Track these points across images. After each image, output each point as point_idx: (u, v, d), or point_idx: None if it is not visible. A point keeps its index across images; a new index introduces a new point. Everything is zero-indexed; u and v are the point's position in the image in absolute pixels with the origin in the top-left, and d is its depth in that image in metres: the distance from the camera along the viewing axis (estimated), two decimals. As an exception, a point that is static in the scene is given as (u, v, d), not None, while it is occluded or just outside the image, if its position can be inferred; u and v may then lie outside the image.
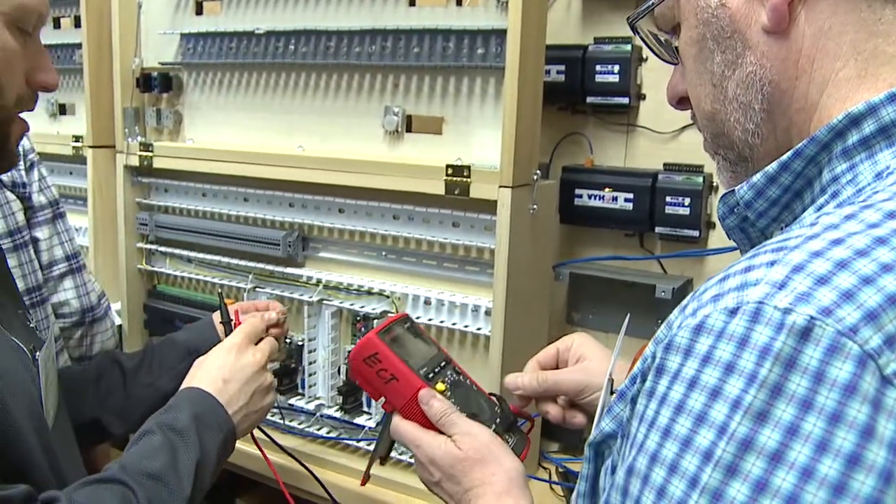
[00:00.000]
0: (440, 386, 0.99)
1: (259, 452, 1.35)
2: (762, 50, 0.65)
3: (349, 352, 1.62)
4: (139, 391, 1.32)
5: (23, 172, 1.46)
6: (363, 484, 1.10)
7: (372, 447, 1.55)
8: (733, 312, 0.53)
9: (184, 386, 1.13)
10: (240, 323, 1.27)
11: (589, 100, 1.65)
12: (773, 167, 0.65)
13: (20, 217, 1.44)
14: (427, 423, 0.95)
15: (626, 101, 1.63)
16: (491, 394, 1.06)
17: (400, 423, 0.97)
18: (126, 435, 1.40)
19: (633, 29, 0.79)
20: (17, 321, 1.03)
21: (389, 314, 1.54)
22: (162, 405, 1.30)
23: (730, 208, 0.70)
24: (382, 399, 0.99)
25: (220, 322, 1.31)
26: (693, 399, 0.54)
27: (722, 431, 0.52)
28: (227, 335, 1.23)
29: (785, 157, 0.64)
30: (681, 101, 0.78)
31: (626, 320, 0.99)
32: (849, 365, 0.49)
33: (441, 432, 0.94)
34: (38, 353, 1.01)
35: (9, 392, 0.88)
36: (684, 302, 0.61)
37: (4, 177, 1.42)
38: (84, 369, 1.37)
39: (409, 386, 0.96)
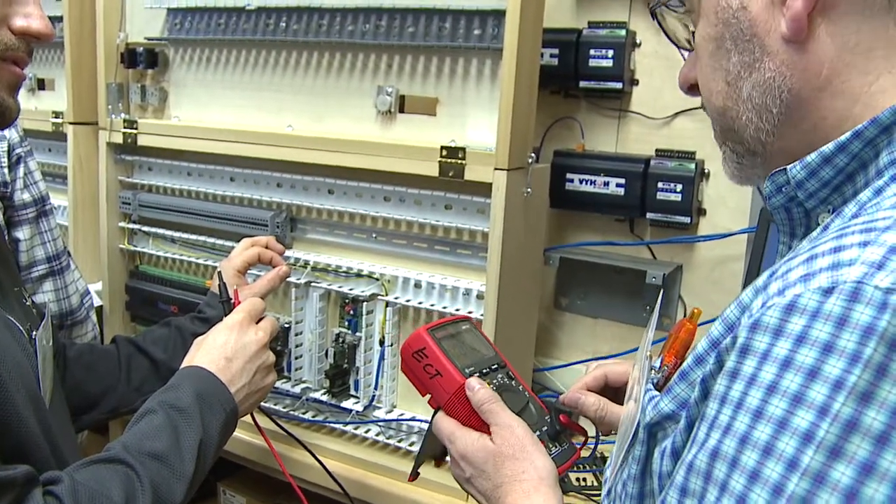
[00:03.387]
0: None
1: (247, 437, 1.33)
2: (782, 58, 0.65)
3: (336, 334, 1.60)
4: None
5: (5, 170, 1.41)
6: (410, 480, 1.09)
7: (359, 431, 1.56)
8: (828, 292, 0.52)
9: (184, 364, 1.11)
10: (239, 302, 1.24)
11: (582, 84, 1.64)
12: (829, 147, 0.63)
13: None
14: (467, 422, 0.93)
15: (619, 86, 1.62)
16: (544, 402, 1.04)
17: (441, 419, 0.95)
18: None
19: (653, 13, 0.78)
20: (14, 299, 1.01)
21: (379, 296, 1.53)
22: None
23: (777, 187, 0.69)
24: (429, 395, 0.98)
25: (220, 301, 1.28)
26: (788, 379, 0.53)
27: (823, 412, 0.51)
28: (226, 314, 1.21)
29: (843, 138, 0.63)
30: (692, 88, 0.77)
31: (660, 296, 0.97)
32: None
33: (480, 429, 0.92)
34: (34, 333, 0.98)
35: (6, 370, 0.85)
36: (760, 283, 0.60)
37: None
38: (107, 357, 1.32)
39: (452, 382, 0.95)
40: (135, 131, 1.77)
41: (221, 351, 1.11)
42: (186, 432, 0.98)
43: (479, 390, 0.93)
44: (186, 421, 1.00)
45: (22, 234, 1.44)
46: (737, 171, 0.75)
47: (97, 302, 1.78)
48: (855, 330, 0.51)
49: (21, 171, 1.44)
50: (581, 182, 1.64)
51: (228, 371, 1.10)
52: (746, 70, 0.67)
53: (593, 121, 1.70)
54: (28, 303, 1.09)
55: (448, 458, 0.97)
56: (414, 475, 1.08)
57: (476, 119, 1.45)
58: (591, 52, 1.62)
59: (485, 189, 1.38)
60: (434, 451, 1.03)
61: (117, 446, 0.94)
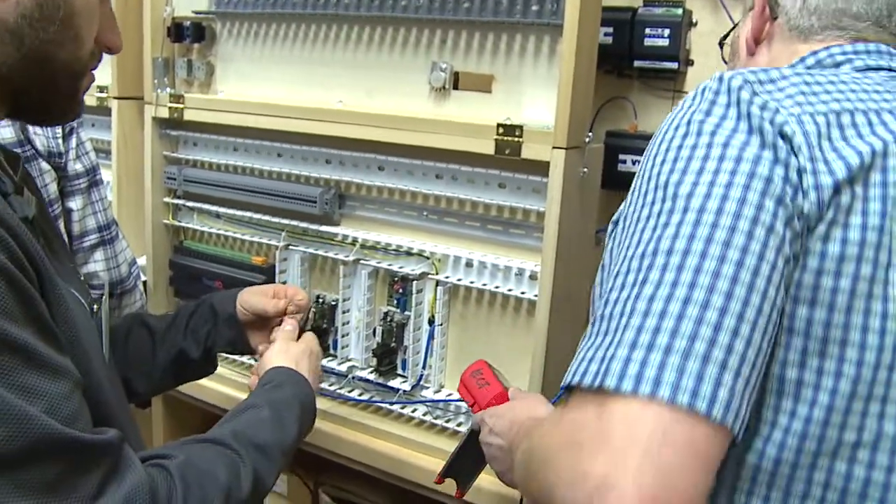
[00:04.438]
0: None
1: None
2: (744, 62, 1.00)
3: (384, 313, 1.59)
4: (164, 352, 1.32)
5: (59, 140, 1.43)
6: (437, 482, 1.30)
7: (406, 410, 1.55)
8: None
9: (278, 364, 1.19)
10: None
11: (636, 63, 1.61)
12: None
13: (52, 188, 1.41)
14: None
15: (674, 66, 1.59)
16: None
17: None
18: (148, 395, 1.38)
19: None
20: (72, 276, 1.00)
21: (429, 275, 1.52)
22: (182, 366, 1.31)
23: None
24: (474, 405, 1.22)
25: (301, 326, 1.32)
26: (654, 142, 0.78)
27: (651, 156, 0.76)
28: (299, 337, 1.30)
29: None
30: None
31: None
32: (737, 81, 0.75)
33: None
34: (95, 307, 0.98)
35: (85, 340, 0.85)
36: None
37: (40, 145, 1.39)
38: (112, 329, 1.35)
39: (495, 389, 1.21)
40: (181, 106, 1.76)
41: (309, 365, 1.24)
42: (287, 429, 1.06)
43: (516, 393, 1.20)
44: (289, 418, 1.08)
45: (75, 203, 1.45)
46: None
47: (143, 277, 1.78)
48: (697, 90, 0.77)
49: (73, 141, 1.44)
50: (634, 163, 1.61)
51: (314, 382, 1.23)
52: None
53: (646, 101, 1.68)
54: (82, 278, 1.09)
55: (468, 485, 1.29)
56: (440, 478, 1.29)
57: (532, 97, 1.42)
58: (647, 31, 1.59)
59: (540, 168, 1.36)
60: (465, 461, 1.26)
61: (225, 431, 0.98)
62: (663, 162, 0.73)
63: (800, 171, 0.70)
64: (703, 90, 0.76)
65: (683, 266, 0.66)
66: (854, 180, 0.71)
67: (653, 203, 0.72)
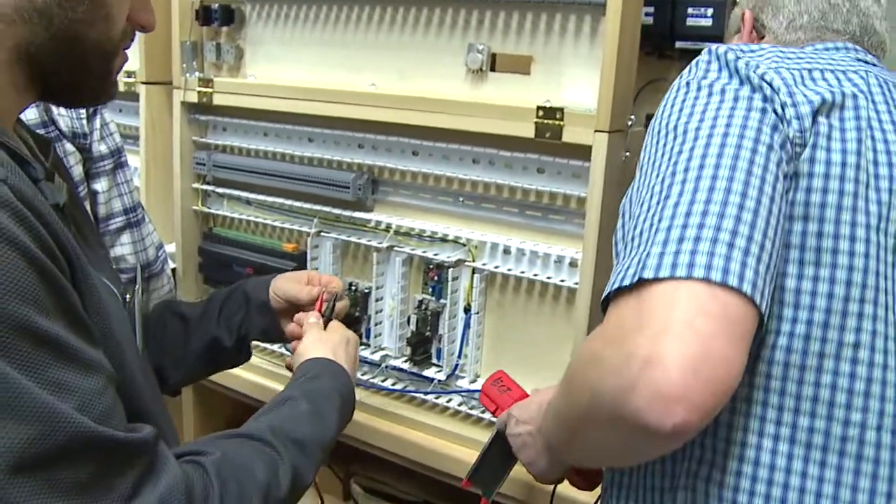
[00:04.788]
0: None
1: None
2: None
3: (418, 301, 1.55)
4: (197, 340, 1.29)
5: (84, 121, 1.40)
6: (464, 486, 1.30)
7: (441, 400, 1.51)
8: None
9: (315, 355, 1.15)
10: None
11: (678, 44, 1.56)
12: None
13: (78, 170, 1.39)
14: None
15: (718, 46, 1.53)
16: None
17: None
18: (180, 384, 1.36)
19: None
20: (104, 263, 0.98)
21: (465, 262, 1.48)
22: (215, 354, 1.28)
23: None
24: (496, 409, 1.25)
25: (323, 317, 1.26)
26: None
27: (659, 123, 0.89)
28: (325, 326, 1.25)
29: None
30: None
31: None
32: (731, 55, 0.86)
33: None
34: (127, 296, 0.95)
35: (119, 333, 0.82)
36: None
37: (64, 126, 1.37)
38: (145, 318, 1.32)
39: (517, 392, 1.25)
40: (210, 90, 1.73)
41: (347, 355, 1.20)
42: (327, 422, 1.03)
43: (536, 390, 1.21)
44: (328, 411, 1.04)
45: (100, 186, 1.42)
46: None
47: (171, 264, 1.76)
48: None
49: (98, 122, 1.42)
50: (675, 147, 1.56)
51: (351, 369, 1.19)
52: None
53: (688, 83, 1.62)
54: (114, 266, 1.06)
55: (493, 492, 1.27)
56: (468, 482, 1.28)
57: (572, 79, 1.38)
58: (689, 10, 1.54)
59: (581, 152, 1.32)
60: (490, 463, 1.25)
61: (262, 426, 0.95)
62: (670, 115, 0.86)
63: (783, 105, 0.82)
64: (697, 62, 0.89)
65: (701, 176, 0.76)
66: (830, 112, 0.83)
67: (665, 144, 0.83)
